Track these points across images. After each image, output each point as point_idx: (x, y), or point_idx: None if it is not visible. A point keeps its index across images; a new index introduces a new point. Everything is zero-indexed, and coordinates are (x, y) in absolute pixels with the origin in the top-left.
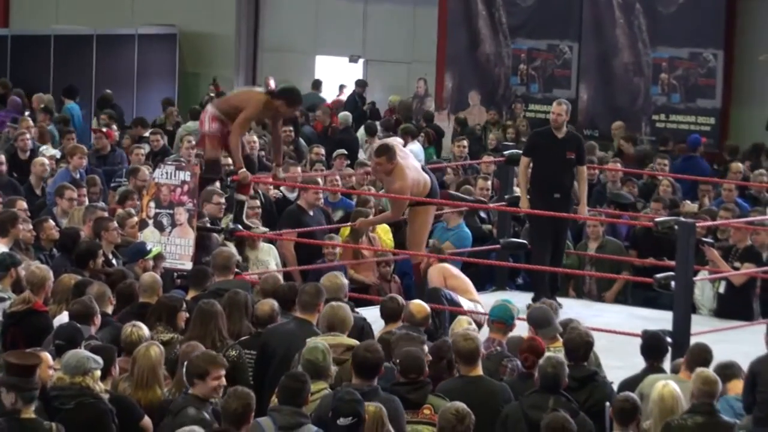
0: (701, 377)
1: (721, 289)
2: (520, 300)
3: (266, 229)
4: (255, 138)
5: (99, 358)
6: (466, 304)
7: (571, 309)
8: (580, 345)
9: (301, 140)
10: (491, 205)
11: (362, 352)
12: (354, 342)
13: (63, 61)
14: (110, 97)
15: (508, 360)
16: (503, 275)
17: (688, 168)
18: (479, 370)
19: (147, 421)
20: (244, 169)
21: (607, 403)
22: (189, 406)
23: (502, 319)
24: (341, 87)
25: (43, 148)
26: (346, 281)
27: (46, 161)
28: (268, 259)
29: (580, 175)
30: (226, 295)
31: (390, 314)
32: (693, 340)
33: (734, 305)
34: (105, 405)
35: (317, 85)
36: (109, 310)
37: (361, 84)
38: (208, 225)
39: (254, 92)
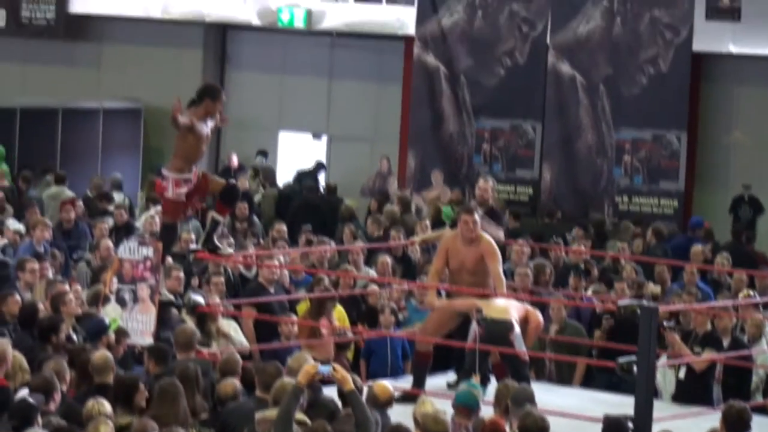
0: None
1: (681, 375)
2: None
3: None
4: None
5: None
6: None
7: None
8: (535, 430)
9: (255, 217)
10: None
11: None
12: (302, 417)
13: (28, 134)
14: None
15: None
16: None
17: (689, 248)
18: None
19: None
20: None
21: None
22: None
23: (467, 405)
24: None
25: (8, 221)
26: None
27: None
28: (230, 331)
29: None
30: (177, 370)
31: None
32: (655, 427)
33: (694, 391)
34: None
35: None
36: (64, 388)
37: (320, 166)
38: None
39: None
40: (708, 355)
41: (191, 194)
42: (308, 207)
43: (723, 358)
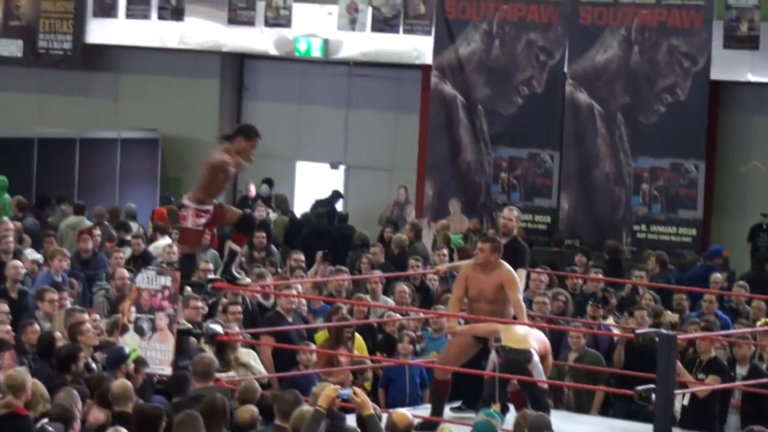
0: None
1: (685, 401)
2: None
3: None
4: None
5: None
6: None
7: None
8: None
9: (273, 246)
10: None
11: None
12: None
13: (46, 164)
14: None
15: None
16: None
17: (708, 276)
18: None
19: None
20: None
21: None
22: None
23: None
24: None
25: (27, 251)
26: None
27: (20, 264)
28: (249, 360)
29: None
30: (204, 401)
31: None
32: None
33: (697, 417)
34: None
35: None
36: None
37: (337, 195)
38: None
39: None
40: (712, 381)
41: (208, 224)
42: (319, 234)
43: (741, 386)
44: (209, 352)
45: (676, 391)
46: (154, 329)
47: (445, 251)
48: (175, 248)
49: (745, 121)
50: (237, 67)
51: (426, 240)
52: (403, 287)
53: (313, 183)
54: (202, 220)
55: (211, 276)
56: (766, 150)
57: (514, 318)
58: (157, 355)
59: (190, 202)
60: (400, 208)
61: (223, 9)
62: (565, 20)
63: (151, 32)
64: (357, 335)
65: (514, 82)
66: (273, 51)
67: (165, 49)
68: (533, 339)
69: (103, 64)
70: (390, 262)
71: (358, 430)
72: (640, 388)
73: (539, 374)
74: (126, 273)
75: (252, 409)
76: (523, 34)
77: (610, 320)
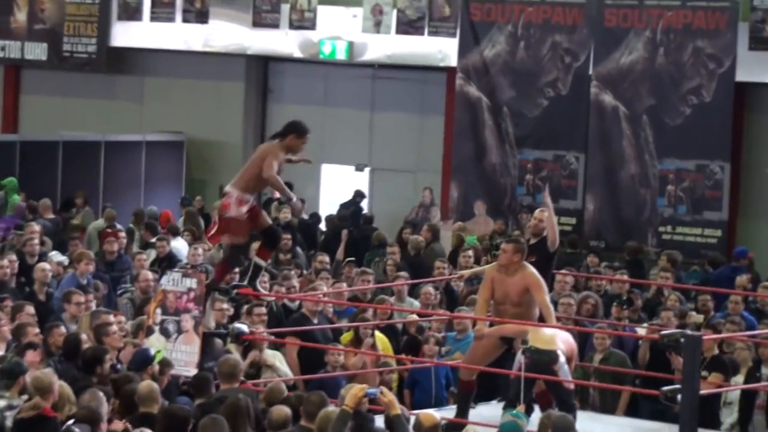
0: None
1: None
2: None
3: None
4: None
5: None
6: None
7: (577, 422)
8: None
9: (298, 248)
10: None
11: None
12: None
13: (71, 167)
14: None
15: None
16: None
17: (734, 277)
18: None
19: None
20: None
21: None
22: None
23: None
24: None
25: (51, 253)
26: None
27: (48, 266)
28: (275, 362)
29: None
30: (227, 402)
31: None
32: None
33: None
34: None
35: None
36: None
37: (359, 195)
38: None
39: (264, 146)
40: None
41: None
42: (339, 236)
43: (767, 386)
44: (235, 354)
45: (704, 391)
46: (179, 331)
47: (470, 253)
48: (200, 250)
49: None
50: (262, 69)
51: (446, 242)
52: (429, 289)
53: (338, 185)
54: (245, 209)
55: (236, 282)
56: None
57: (541, 319)
58: (183, 356)
59: (234, 189)
60: (425, 210)
61: (247, 12)
62: (590, 22)
63: (176, 35)
64: (383, 337)
65: (539, 84)
66: (297, 54)
67: (189, 52)
68: (560, 340)
69: (128, 67)
70: (407, 262)
71: (386, 430)
72: (665, 388)
73: (565, 375)
74: (150, 275)
75: (285, 410)
76: (548, 36)
77: (644, 325)
